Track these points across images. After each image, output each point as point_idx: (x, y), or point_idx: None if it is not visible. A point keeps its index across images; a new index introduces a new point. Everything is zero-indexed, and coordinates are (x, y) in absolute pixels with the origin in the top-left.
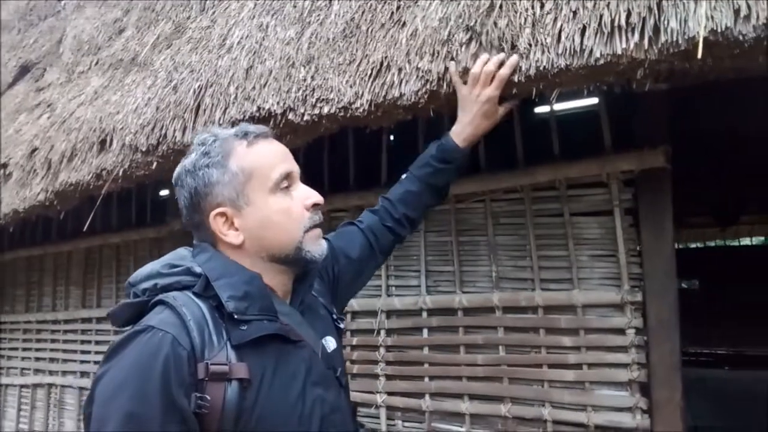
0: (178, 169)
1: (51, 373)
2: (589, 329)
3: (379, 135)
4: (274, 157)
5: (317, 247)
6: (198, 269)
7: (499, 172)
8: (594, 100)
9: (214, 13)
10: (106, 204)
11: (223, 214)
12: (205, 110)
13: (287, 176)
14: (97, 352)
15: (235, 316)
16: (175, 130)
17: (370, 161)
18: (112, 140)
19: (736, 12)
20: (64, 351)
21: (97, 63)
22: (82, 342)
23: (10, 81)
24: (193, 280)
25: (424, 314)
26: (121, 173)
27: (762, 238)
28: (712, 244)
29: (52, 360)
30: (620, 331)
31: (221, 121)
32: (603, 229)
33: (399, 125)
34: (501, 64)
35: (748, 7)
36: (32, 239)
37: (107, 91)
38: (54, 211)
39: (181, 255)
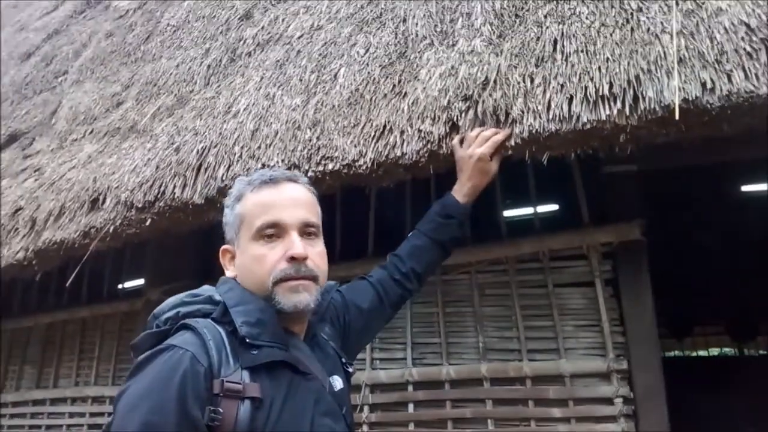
0: None
1: None
2: (578, 399)
3: (367, 209)
4: (266, 205)
5: (289, 298)
6: (218, 297)
7: (485, 243)
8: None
9: (218, 86)
10: (77, 279)
11: (227, 251)
12: (207, 168)
13: (273, 225)
14: None
15: (247, 340)
16: (174, 187)
17: (357, 234)
18: (105, 198)
19: (703, 85)
20: None
21: (91, 132)
22: (30, 427)
23: None
24: (213, 308)
25: (410, 388)
26: (111, 230)
27: (717, 350)
28: (671, 354)
29: None
30: (608, 401)
31: (224, 178)
32: (586, 299)
33: (386, 200)
34: (496, 133)
35: (712, 81)
36: None
37: (102, 155)
38: (31, 272)
39: (205, 288)
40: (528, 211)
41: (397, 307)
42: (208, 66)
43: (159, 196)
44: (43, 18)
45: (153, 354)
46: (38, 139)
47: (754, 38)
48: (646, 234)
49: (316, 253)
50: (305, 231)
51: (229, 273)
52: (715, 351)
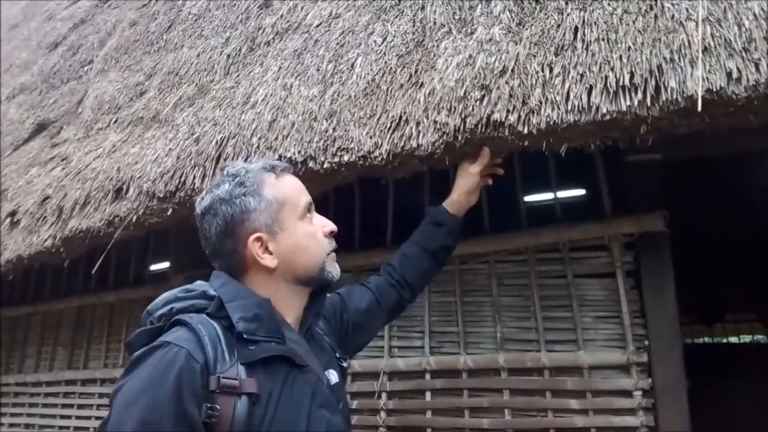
0: (207, 200)
1: None
2: (596, 391)
3: (385, 197)
4: (299, 188)
5: (335, 268)
6: (213, 292)
7: (504, 232)
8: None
9: (238, 76)
10: (104, 263)
11: (259, 239)
12: (226, 159)
13: (311, 205)
14: (78, 417)
15: (245, 336)
16: (194, 177)
17: (376, 222)
18: (128, 188)
19: (729, 74)
20: (42, 416)
21: (116, 121)
22: (63, 406)
23: (26, 137)
24: (207, 303)
25: (428, 376)
26: (134, 219)
27: (750, 337)
28: (700, 341)
29: (27, 426)
30: (627, 394)
31: None
32: (606, 290)
33: (405, 188)
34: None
35: (739, 70)
36: (23, 297)
37: (126, 144)
38: (59, 258)
39: (198, 283)
40: (549, 196)
41: (393, 311)
42: (228, 55)
43: (180, 186)
44: (70, 7)
45: (148, 351)
46: (65, 128)
47: None
48: (670, 224)
49: None
50: None
51: (268, 262)
52: (746, 338)
